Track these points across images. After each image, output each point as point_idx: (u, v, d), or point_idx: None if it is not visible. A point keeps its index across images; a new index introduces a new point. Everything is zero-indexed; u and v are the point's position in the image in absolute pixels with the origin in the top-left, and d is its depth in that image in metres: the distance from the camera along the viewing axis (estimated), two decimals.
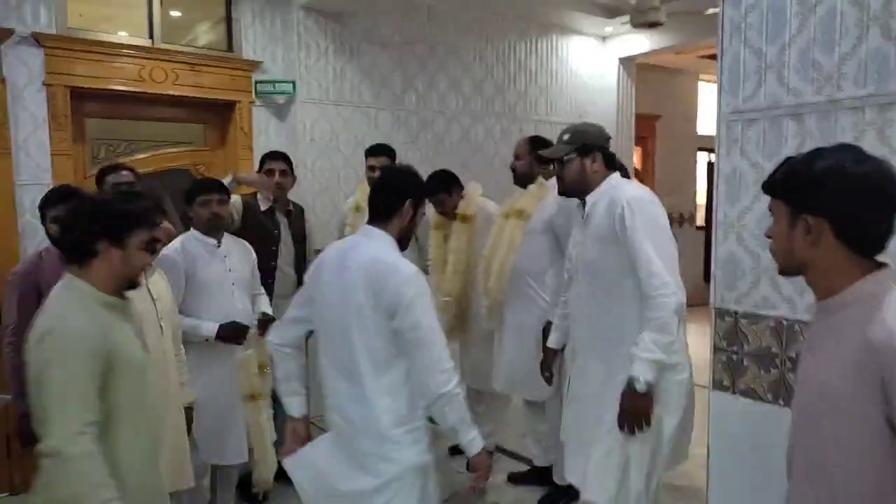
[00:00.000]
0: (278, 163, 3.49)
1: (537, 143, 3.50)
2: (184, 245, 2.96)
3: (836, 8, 1.79)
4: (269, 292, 3.36)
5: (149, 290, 2.49)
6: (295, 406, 2.05)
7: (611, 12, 5.64)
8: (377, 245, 1.87)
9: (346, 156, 4.76)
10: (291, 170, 3.55)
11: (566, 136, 2.32)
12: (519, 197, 3.47)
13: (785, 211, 1.23)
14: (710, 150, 9.59)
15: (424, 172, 4.59)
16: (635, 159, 7.69)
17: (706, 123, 9.17)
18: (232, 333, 2.91)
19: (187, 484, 2.63)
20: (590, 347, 2.28)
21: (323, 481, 1.89)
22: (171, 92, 4.18)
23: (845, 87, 1.78)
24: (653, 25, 4.53)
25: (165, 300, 2.61)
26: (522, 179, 3.44)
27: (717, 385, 2.15)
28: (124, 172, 3.03)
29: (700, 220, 9.03)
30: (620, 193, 2.13)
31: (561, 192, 2.45)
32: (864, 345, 1.11)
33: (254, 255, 3.18)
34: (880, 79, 1.72)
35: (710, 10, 4.48)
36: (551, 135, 5.94)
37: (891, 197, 1.16)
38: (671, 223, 2.36)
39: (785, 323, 1.95)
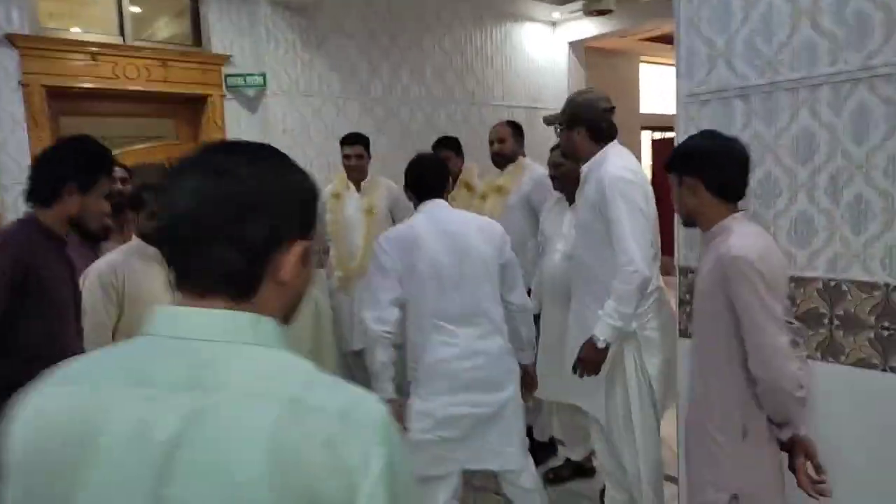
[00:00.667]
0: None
1: (517, 126, 3.79)
2: None
3: (772, 3, 2.11)
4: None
5: (167, 276, 2.67)
6: (392, 389, 2.27)
7: None
8: (464, 212, 2.55)
9: (318, 145, 4.93)
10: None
11: (563, 108, 2.55)
12: (497, 176, 3.74)
13: (675, 179, 1.84)
14: (653, 129, 10.09)
15: (394, 158, 4.85)
16: None
17: (648, 103, 9.65)
18: None
19: None
20: (572, 297, 2.58)
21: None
22: (143, 88, 4.27)
23: (782, 71, 2.10)
24: (603, 13, 4.84)
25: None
26: (505, 161, 3.69)
27: (683, 334, 2.47)
28: (117, 168, 3.15)
29: None
30: (605, 171, 2.34)
31: (563, 156, 2.80)
32: (717, 257, 1.70)
33: None
34: (810, 63, 2.04)
35: None
36: (508, 118, 6.25)
37: (739, 161, 1.78)
38: None
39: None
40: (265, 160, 0.81)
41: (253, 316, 0.75)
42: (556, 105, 6.56)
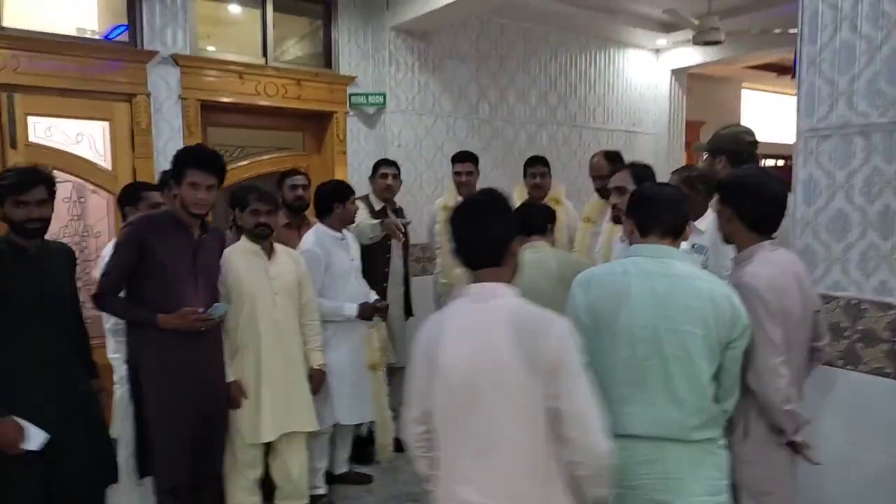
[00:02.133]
0: (391, 168, 4.02)
1: (613, 155, 3.89)
2: (319, 238, 3.47)
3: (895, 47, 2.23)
4: (385, 281, 3.88)
5: (265, 270, 3.03)
6: None
7: (667, 27, 6.08)
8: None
9: (428, 160, 5.26)
10: (399, 174, 4.07)
11: (711, 138, 2.77)
12: (608, 206, 3.80)
13: (718, 202, 2.06)
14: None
15: (497, 176, 5.08)
16: (683, 164, 8.05)
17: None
18: (369, 312, 3.45)
19: (311, 426, 3.16)
20: None
21: None
22: (279, 105, 4.72)
23: None
24: (713, 43, 4.95)
25: (286, 279, 3.11)
26: (607, 192, 3.80)
27: None
28: (298, 176, 3.67)
29: None
30: None
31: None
32: (735, 280, 1.91)
33: None
34: None
35: (776, 30, 4.88)
36: (607, 141, 6.39)
37: (768, 198, 1.95)
38: None
39: (853, 302, 2.39)
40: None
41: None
42: (656, 130, 6.70)
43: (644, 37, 6.29)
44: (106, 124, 4.10)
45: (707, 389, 1.74)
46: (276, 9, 4.74)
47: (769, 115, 9.82)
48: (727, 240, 2.10)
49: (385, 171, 4.04)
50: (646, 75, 6.63)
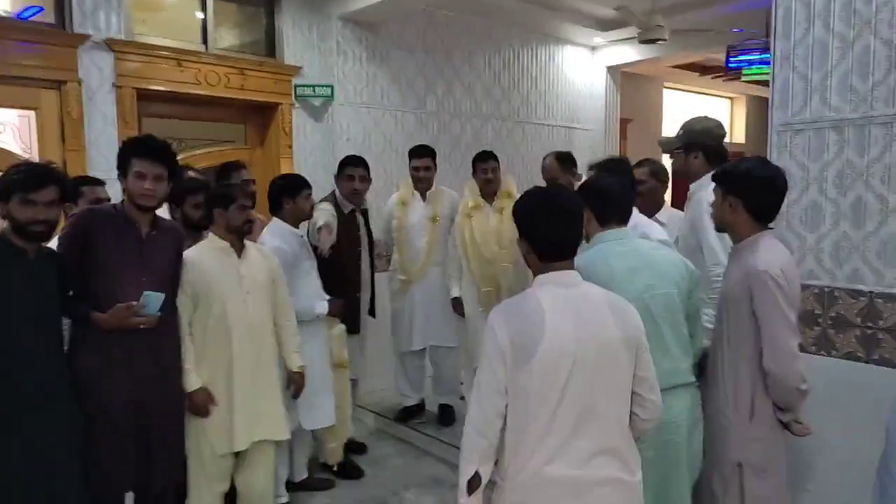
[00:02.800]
0: (359, 169, 3.77)
1: (563, 156, 3.91)
2: (282, 235, 3.30)
3: (869, 45, 2.34)
4: (357, 291, 3.75)
5: (237, 268, 2.86)
6: None
7: (604, 25, 6.21)
8: None
9: (377, 155, 5.13)
10: (369, 173, 3.84)
11: (679, 132, 2.77)
12: None
13: (719, 192, 2.10)
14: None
15: (444, 170, 5.02)
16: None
17: (670, 127, 9.92)
18: (339, 309, 3.33)
19: (283, 435, 3.01)
20: None
21: None
22: (222, 94, 4.47)
23: (877, 106, 2.33)
24: (657, 41, 5.10)
25: (257, 278, 2.95)
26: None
27: None
28: (244, 171, 3.47)
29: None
30: (704, 193, 2.47)
31: (673, 176, 2.95)
32: (745, 268, 1.98)
33: None
34: None
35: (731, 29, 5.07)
36: (548, 136, 6.46)
37: (779, 191, 2.05)
38: None
39: (826, 290, 2.50)
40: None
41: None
42: (593, 125, 6.85)
43: (582, 34, 6.41)
44: (32, 113, 3.74)
45: (686, 337, 2.08)
46: None
47: (690, 114, 10.28)
48: (722, 228, 2.16)
49: (351, 172, 3.78)
50: (583, 72, 6.76)
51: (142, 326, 2.41)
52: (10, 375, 2.13)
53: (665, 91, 9.91)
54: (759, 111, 10.11)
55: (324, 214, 3.50)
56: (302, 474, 3.63)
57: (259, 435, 2.92)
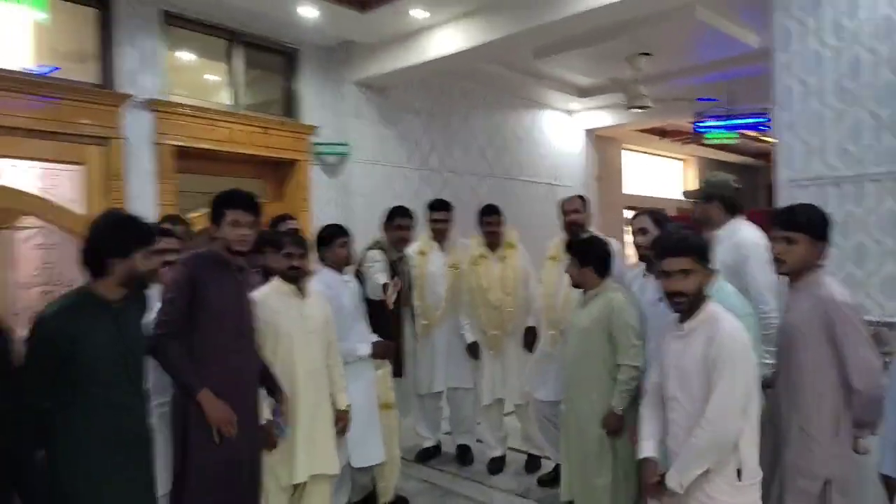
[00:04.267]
0: (406, 219, 4.05)
1: (585, 200, 4.28)
2: (325, 280, 3.53)
3: (860, 118, 2.86)
4: (400, 328, 3.95)
5: (300, 310, 3.08)
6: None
7: (582, 92, 6.82)
8: None
9: (386, 209, 5.43)
10: (413, 224, 4.11)
11: (701, 184, 3.02)
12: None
13: (796, 236, 2.17)
14: (633, 208, 11.08)
15: None
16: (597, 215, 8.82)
17: (629, 185, 10.63)
18: (382, 350, 3.52)
19: (335, 470, 3.18)
20: None
21: None
22: (249, 151, 4.73)
23: (868, 166, 2.83)
24: (642, 108, 5.67)
25: (318, 319, 3.18)
26: (579, 230, 4.01)
27: None
28: (290, 221, 3.67)
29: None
30: (743, 237, 2.78)
31: (694, 223, 3.06)
32: (817, 299, 2.10)
33: None
34: (891, 161, 2.78)
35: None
36: (535, 192, 6.90)
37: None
38: None
39: None
40: None
41: None
42: (572, 182, 7.35)
43: (562, 100, 6.99)
44: (80, 168, 3.91)
45: None
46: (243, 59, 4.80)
47: (647, 173, 11.05)
48: (789, 270, 2.23)
49: (401, 223, 4.03)
50: (562, 134, 7.33)
51: (228, 434, 2.55)
52: (103, 423, 2.14)
53: (623, 152, 10.67)
54: (708, 171, 10.94)
55: (379, 270, 3.74)
56: None
57: (318, 468, 3.08)
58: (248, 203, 2.73)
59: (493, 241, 4.37)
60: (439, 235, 4.56)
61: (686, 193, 3.24)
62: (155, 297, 2.89)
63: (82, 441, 2.03)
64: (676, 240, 2.14)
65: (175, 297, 2.55)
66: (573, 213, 4.11)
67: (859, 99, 2.86)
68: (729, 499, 2.02)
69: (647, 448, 2.22)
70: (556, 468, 4.01)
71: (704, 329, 2.08)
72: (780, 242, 2.20)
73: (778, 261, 2.23)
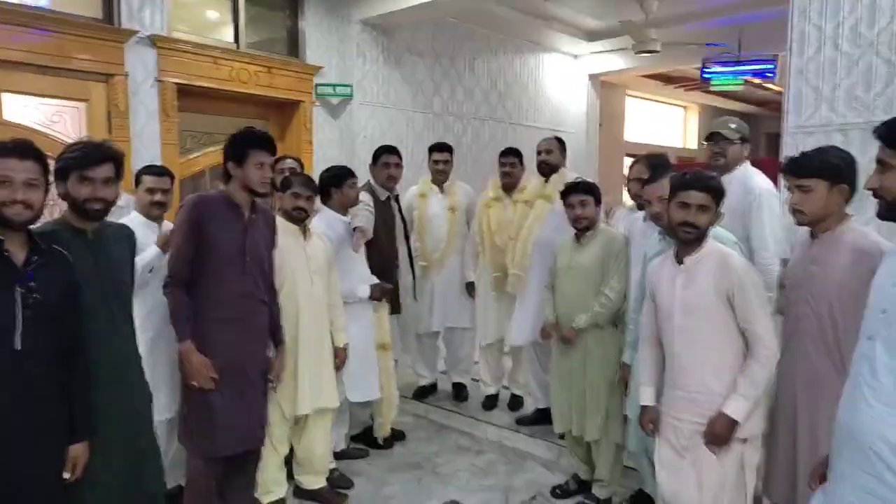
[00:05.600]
0: (394, 157, 4.06)
1: (562, 141, 4.28)
2: (329, 223, 3.56)
3: (872, 63, 2.84)
4: (393, 268, 4.00)
5: (304, 249, 3.13)
6: None
7: (590, 35, 6.70)
8: None
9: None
10: (401, 161, 4.12)
11: (732, 126, 2.93)
12: (546, 185, 4.07)
13: (819, 183, 2.04)
14: (633, 156, 11.04)
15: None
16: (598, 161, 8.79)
17: (631, 132, 10.57)
18: (380, 293, 3.59)
19: (336, 403, 3.29)
20: None
21: None
22: (252, 91, 4.68)
23: (878, 114, 2.83)
24: (651, 52, 5.60)
25: (319, 259, 3.23)
26: (549, 170, 4.05)
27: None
28: (289, 160, 3.66)
29: None
30: (755, 184, 2.81)
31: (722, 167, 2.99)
32: (860, 250, 1.98)
33: None
34: None
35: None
36: (537, 138, 6.93)
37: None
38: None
39: None
40: None
41: None
42: (575, 128, 7.31)
43: (569, 43, 6.88)
44: (82, 105, 3.88)
45: None
46: None
47: (649, 120, 10.97)
48: (814, 220, 2.10)
49: (387, 160, 4.08)
50: (567, 79, 7.24)
51: (202, 387, 2.59)
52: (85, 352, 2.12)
53: (627, 99, 10.56)
54: (710, 119, 10.87)
55: (362, 216, 3.74)
56: (340, 445, 3.89)
57: (321, 402, 3.19)
58: (271, 144, 2.73)
59: (510, 183, 4.36)
60: (440, 177, 4.57)
61: (717, 133, 3.05)
62: (148, 233, 2.90)
63: (90, 368, 2.08)
64: (701, 176, 2.18)
65: (181, 244, 2.58)
66: (544, 154, 4.11)
67: (874, 44, 2.84)
68: (755, 423, 2.15)
69: (648, 395, 2.30)
70: (537, 411, 4.17)
71: (709, 263, 2.16)
72: (796, 192, 2.11)
73: (797, 212, 2.13)
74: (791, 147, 3.08)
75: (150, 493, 2.33)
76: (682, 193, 2.17)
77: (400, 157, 4.12)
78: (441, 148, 4.56)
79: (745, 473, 2.19)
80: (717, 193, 2.16)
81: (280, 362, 2.90)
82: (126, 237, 2.41)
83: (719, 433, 2.12)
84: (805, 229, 2.20)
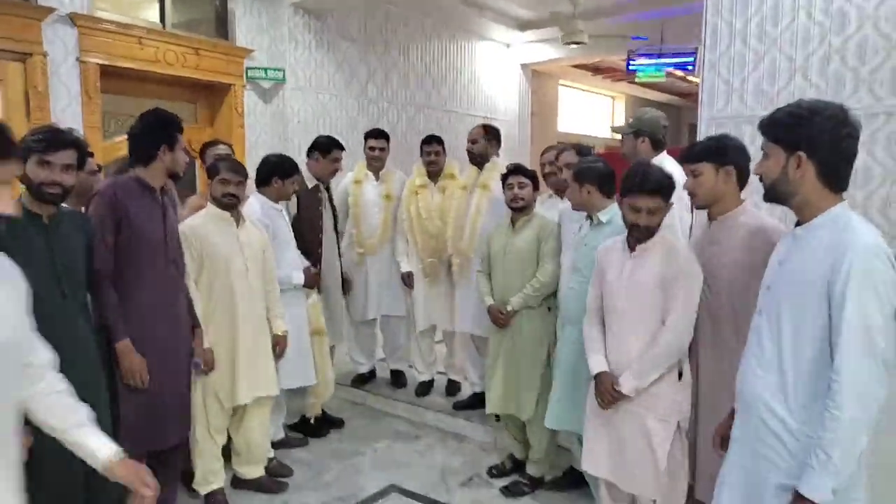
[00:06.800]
0: (341, 154, 4.09)
1: (490, 129, 4.39)
2: (263, 208, 3.55)
3: (775, 59, 3.05)
4: (317, 256, 4.00)
5: (237, 237, 3.12)
6: None
7: (521, 25, 6.83)
8: None
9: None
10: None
11: (630, 120, 3.18)
12: (481, 173, 4.17)
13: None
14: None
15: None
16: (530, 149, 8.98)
17: (564, 121, 10.83)
18: (312, 280, 3.61)
19: (275, 391, 3.31)
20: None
21: None
22: (179, 73, 4.57)
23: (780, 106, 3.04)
24: (578, 43, 5.76)
25: (254, 246, 3.22)
26: (479, 159, 4.16)
27: None
28: (221, 146, 3.60)
29: None
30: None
31: (622, 159, 3.17)
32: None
33: None
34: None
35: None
36: (471, 125, 7.05)
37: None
38: None
39: None
40: None
41: None
42: (507, 117, 7.45)
43: (501, 32, 6.99)
44: None
45: None
46: None
47: (579, 111, 11.25)
48: (700, 205, 2.25)
49: (338, 156, 4.02)
50: (500, 68, 7.36)
51: (137, 386, 2.58)
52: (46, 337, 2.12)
53: (560, 89, 10.81)
54: (636, 108, 11.25)
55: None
56: (279, 435, 3.90)
57: (259, 391, 3.20)
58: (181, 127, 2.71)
59: (434, 170, 4.44)
60: (375, 163, 4.60)
61: (614, 129, 3.40)
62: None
63: None
64: (648, 179, 2.24)
65: (102, 234, 2.52)
66: (469, 143, 4.22)
67: (777, 42, 3.05)
68: (673, 395, 2.26)
69: (600, 363, 2.39)
70: (473, 395, 4.29)
71: (658, 251, 2.29)
72: (689, 177, 2.27)
73: (691, 195, 2.28)
74: (706, 136, 3.27)
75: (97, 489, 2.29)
76: (632, 197, 2.26)
77: (386, 140, 4.19)
78: (377, 135, 4.57)
79: (653, 452, 2.27)
80: (665, 192, 2.25)
81: (201, 345, 2.90)
82: (82, 225, 2.41)
83: (601, 391, 2.33)
84: (704, 213, 2.35)
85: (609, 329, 2.40)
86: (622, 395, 2.28)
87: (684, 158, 2.34)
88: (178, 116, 2.75)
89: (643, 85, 10.47)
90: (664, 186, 2.26)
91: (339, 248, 4.29)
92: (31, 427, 2.00)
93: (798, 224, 1.66)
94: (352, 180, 4.62)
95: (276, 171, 3.55)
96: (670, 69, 6.86)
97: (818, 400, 1.51)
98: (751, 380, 1.66)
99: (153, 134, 2.65)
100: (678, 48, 6.46)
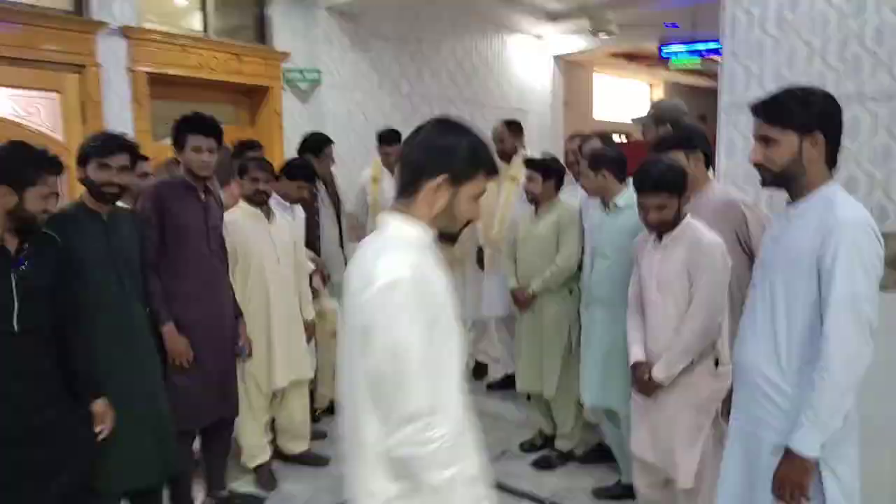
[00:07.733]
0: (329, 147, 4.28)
1: (511, 123, 4.48)
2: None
3: (794, 46, 3.09)
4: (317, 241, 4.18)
5: (268, 232, 3.30)
6: None
7: (552, 16, 6.89)
8: None
9: (358, 133, 5.61)
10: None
11: (650, 111, 3.29)
12: (509, 166, 4.31)
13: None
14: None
15: None
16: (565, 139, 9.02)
17: (600, 111, 10.80)
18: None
19: (310, 374, 3.53)
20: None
21: None
22: (221, 78, 4.82)
23: None
24: (608, 33, 5.81)
25: (285, 240, 3.39)
26: (505, 156, 4.30)
27: None
28: (253, 146, 3.88)
29: None
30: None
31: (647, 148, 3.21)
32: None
33: None
34: (819, 86, 3.02)
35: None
36: (504, 117, 7.12)
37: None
38: None
39: None
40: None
41: None
42: (540, 108, 7.52)
43: (531, 24, 7.06)
44: (56, 96, 4.00)
45: None
46: None
47: (616, 98, 11.20)
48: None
49: (329, 152, 4.24)
50: (531, 60, 7.43)
51: (181, 364, 2.77)
52: (100, 323, 2.37)
53: (595, 77, 10.77)
54: (674, 95, 11.14)
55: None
56: None
57: (295, 375, 3.41)
58: (208, 127, 2.87)
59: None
60: (390, 160, 4.69)
61: (638, 120, 3.49)
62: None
63: (90, 336, 2.30)
64: (650, 178, 2.31)
65: (148, 233, 2.74)
66: (498, 143, 4.30)
67: (796, 29, 3.08)
68: (710, 383, 2.31)
69: (637, 353, 2.46)
70: (506, 376, 4.43)
71: (683, 240, 2.34)
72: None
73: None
74: (726, 122, 3.32)
75: (165, 457, 2.58)
76: (639, 196, 2.35)
77: (400, 143, 4.27)
78: (391, 139, 4.62)
79: (690, 443, 2.32)
80: (670, 186, 2.29)
81: (245, 333, 3.09)
82: (133, 220, 2.65)
83: (637, 380, 2.40)
84: None
85: (647, 319, 2.47)
86: (657, 384, 2.36)
87: (657, 151, 2.51)
88: (192, 117, 2.89)
89: (681, 71, 10.35)
90: (666, 181, 2.30)
91: (341, 241, 4.39)
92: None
93: (789, 203, 1.75)
94: (369, 178, 4.75)
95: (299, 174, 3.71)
96: (706, 55, 6.83)
97: (809, 364, 1.61)
98: (747, 349, 1.76)
99: (173, 137, 2.88)
100: (711, 34, 6.43)
